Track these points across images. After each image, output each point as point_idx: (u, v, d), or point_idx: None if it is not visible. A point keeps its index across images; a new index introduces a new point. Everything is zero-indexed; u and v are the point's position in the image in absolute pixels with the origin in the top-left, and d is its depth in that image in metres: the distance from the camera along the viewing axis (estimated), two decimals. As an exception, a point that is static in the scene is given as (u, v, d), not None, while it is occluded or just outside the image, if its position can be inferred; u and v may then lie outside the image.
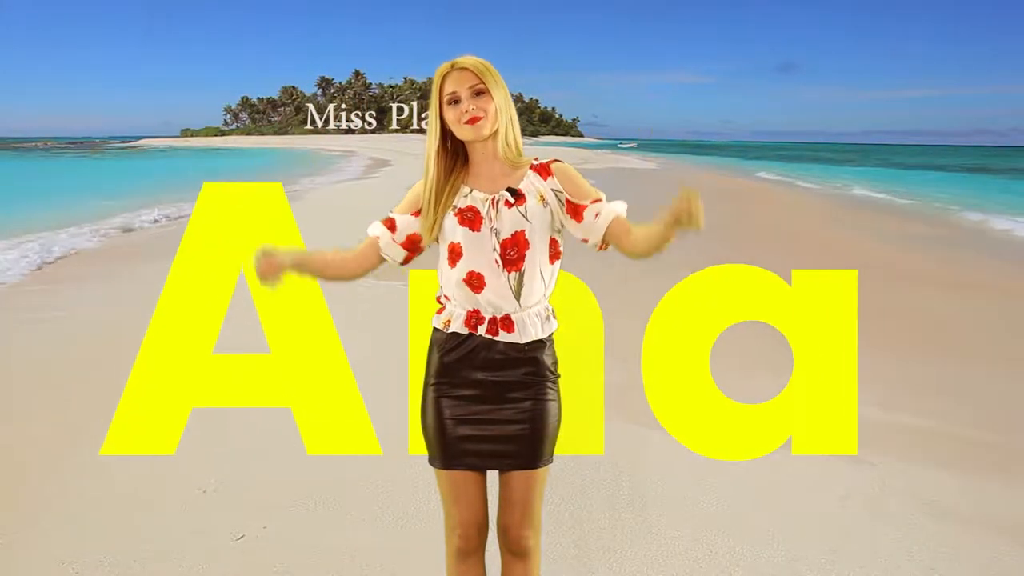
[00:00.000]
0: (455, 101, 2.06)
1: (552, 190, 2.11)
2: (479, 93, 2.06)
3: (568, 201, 2.12)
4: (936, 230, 15.16)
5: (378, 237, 2.21)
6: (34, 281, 9.08)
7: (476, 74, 2.06)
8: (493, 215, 2.07)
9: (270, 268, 2.20)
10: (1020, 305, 8.52)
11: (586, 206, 2.12)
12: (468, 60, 2.08)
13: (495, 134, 2.09)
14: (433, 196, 2.11)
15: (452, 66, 2.08)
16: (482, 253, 2.07)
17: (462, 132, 2.08)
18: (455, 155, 2.14)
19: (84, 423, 4.58)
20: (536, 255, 2.09)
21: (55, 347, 6.17)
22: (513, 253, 2.07)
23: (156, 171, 42.31)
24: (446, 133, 2.12)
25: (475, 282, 2.08)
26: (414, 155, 47.37)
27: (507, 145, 2.10)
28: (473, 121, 2.05)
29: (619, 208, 2.13)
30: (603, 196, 2.15)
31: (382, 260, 2.23)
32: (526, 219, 2.07)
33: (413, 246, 2.20)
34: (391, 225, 2.20)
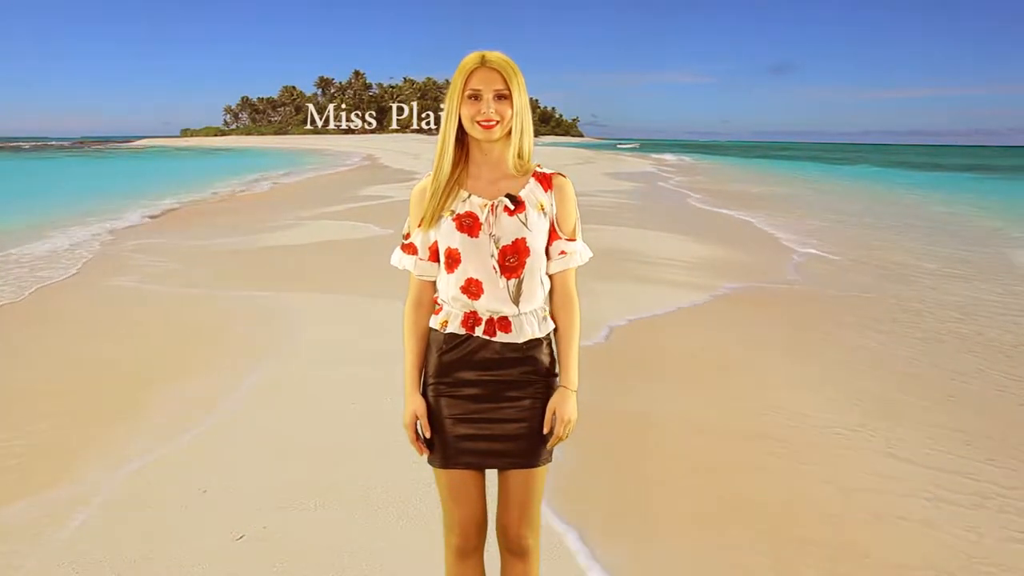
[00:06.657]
0: (475, 98, 2.03)
1: (549, 203, 2.11)
2: (501, 97, 2.02)
3: (551, 220, 2.12)
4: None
5: (411, 269, 2.18)
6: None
7: (503, 77, 2.02)
8: (492, 221, 2.06)
9: (421, 430, 2.16)
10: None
11: (560, 237, 2.13)
12: (498, 59, 2.02)
13: (505, 139, 2.07)
14: (442, 184, 2.08)
15: (482, 61, 2.03)
16: (480, 259, 2.06)
17: (474, 131, 2.05)
18: (463, 146, 2.12)
19: (85, 423, 4.58)
20: (536, 261, 2.09)
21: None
22: (513, 260, 2.06)
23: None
24: (461, 122, 2.08)
25: (473, 289, 2.07)
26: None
27: (518, 157, 2.07)
28: (488, 125, 2.02)
29: (581, 259, 2.16)
30: (579, 236, 2.17)
31: (430, 282, 2.18)
32: (526, 227, 2.06)
33: (438, 255, 2.15)
34: (412, 248, 2.17)
